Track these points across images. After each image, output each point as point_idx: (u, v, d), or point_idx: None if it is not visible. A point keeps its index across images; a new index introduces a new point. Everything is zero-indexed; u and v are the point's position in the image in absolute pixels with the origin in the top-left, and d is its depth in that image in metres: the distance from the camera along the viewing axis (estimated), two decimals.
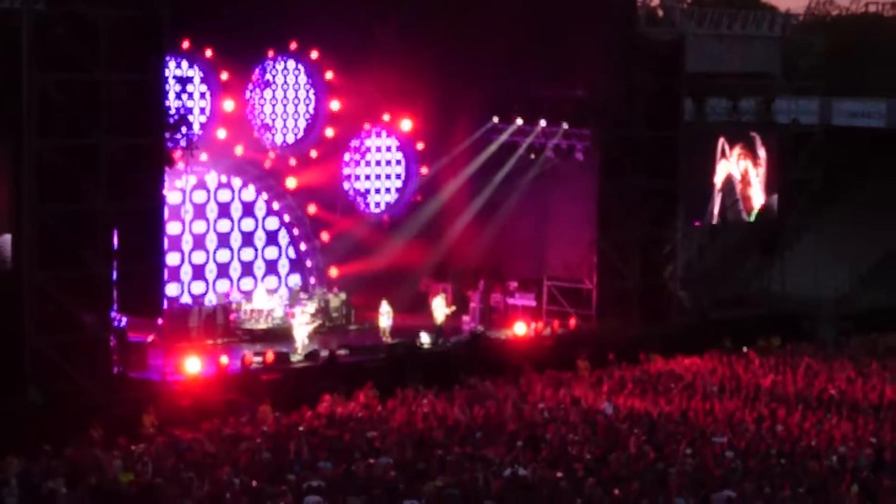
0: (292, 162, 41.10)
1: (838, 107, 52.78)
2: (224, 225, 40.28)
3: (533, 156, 43.06)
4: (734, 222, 47.03)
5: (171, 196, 37.71)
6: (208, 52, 38.59)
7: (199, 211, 39.72)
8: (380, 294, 39.48)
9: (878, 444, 27.47)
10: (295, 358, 35.58)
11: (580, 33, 40.47)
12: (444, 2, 39.80)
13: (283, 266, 41.64)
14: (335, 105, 41.90)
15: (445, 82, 41.94)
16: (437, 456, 25.54)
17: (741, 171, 46.30)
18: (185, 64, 38.49)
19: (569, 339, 39.78)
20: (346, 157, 43.19)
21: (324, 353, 35.75)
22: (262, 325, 38.35)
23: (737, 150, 46.12)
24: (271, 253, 41.38)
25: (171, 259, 38.30)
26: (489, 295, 41.93)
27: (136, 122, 31.89)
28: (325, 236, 41.82)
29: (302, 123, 42.04)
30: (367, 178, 43.77)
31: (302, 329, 36.84)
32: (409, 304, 41.13)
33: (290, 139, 41.84)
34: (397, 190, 44.27)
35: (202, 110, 39.25)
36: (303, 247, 41.76)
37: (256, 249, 41.07)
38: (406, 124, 43.57)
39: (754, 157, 46.62)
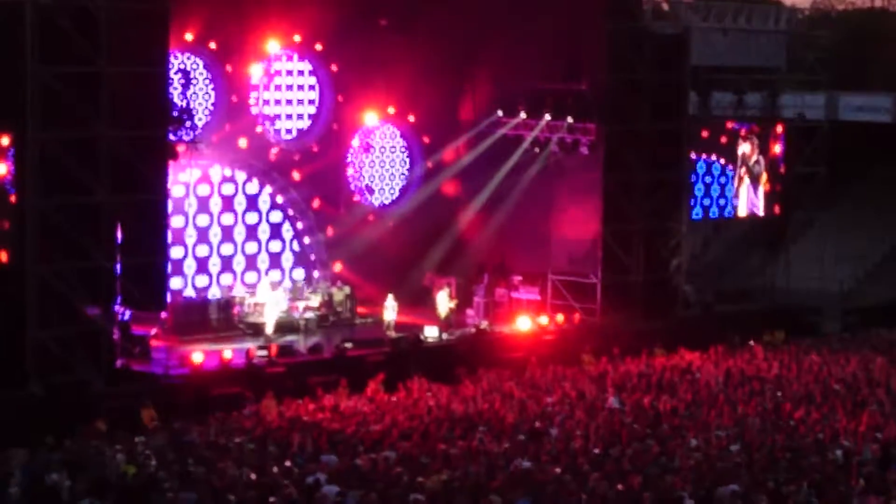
0: (296, 155, 41.01)
1: (844, 101, 52.72)
2: (228, 218, 40.20)
3: (537, 150, 42.95)
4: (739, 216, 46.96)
5: (175, 190, 37.66)
6: (212, 45, 38.50)
7: (203, 204, 39.65)
8: (384, 288, 39.40)
9: (883, 439, 27.34)
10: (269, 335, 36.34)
11: (585, 27, 40.44)
12: None
13: (287, 259, 41.56)
14: (340, 98, 41.79)
15: (450, 76, 41.86)
16: (441, 450, 25.44)
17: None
18: (188, 57, 38.41)
19: (573, 334, 39.70)
20: (351, 150, 43.10)
21: (327, 347, 35.77)
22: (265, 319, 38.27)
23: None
24: (275, 246, 41.30)
25: (175, 253, 38.23)
26: (493, 289, 41.83)
27: (140, 114, 31.87)
28: (329, 230, 41.72)
29: (306, 116, 41.93)
30: (372, 171, 43.68)
31: (272, 309, 37.07)
32: (412, 297, 41.05)
33: (295, 132, 41.74)
34: (402, 184, 44.18)
35: (206, 104, 39.16)
36: (307, 240, 41.68)
37: (260, 243, 40.99)
38: (411, 118, 43.46)
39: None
